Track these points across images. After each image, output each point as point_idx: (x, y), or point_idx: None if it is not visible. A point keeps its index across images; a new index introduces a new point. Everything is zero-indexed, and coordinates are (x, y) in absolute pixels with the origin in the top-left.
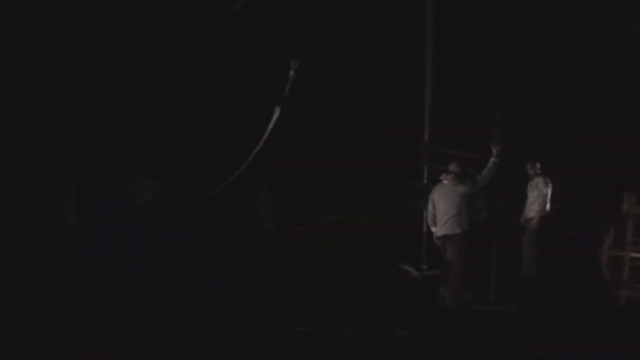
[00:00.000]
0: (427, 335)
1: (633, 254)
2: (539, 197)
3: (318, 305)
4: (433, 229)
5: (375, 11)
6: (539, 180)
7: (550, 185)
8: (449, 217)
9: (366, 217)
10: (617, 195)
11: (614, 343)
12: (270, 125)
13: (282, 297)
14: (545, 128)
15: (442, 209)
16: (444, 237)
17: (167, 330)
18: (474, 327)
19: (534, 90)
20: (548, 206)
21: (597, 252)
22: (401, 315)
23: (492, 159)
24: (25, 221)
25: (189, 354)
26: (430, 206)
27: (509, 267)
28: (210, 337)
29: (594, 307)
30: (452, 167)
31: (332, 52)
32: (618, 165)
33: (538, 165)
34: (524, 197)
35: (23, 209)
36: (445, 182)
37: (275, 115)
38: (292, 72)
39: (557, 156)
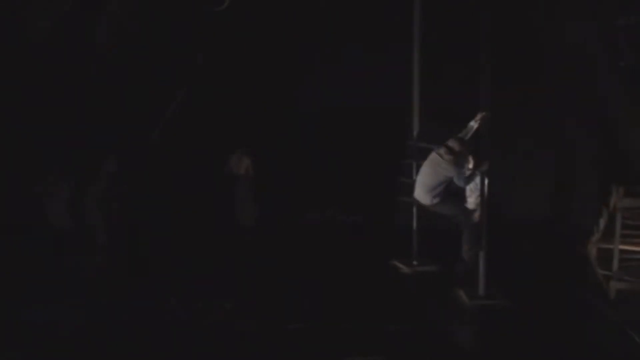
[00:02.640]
0: (418, 331)
1: (622, 247)
2: (475, 190)
3: (308, 303)
4: None
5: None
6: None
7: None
8: (424, 185)
9: (355, 213)
10: (606, 188)
11: (604, 335)
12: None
13: (271, 294)
14: (534, 123)
15: (422, 174)
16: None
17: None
18: (465, 321)
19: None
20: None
21: (587, 246)
22: (393, 310)
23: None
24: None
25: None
26: None
27: (498, 261)
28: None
29: (584, 300)
30: (452, 143)
31: (321, 51)
32: (606, 159)
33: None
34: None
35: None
36: (441, 156)
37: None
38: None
39: (546, 149)
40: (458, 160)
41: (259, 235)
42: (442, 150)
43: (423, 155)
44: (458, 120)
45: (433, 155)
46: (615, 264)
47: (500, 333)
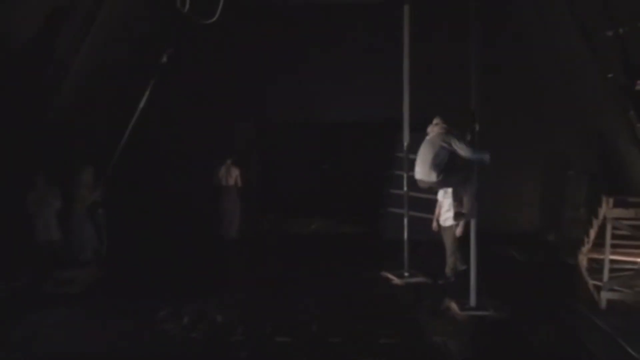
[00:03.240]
0: (411, 343)
1: (612, 257)
2: (447, 197)
3: (298, 314)
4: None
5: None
6: None
7: None
8: (426, 163)
9: (346, 224)
10: (596, 198)
11: (595, 345)
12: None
13: (260, 306)
14: (522, 133)
15: (421, 154)
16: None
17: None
18: (457, 332)
19: (510, 95)
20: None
21: (577, 256)
22: (384, 322)
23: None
24: None
25: None
26: None
27: (489, 272)
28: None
29: (575, 310)
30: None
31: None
32: (597, 170)
33: None
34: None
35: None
36: (436, 125)
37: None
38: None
39: (535, 161)
40: (451, 129)
41: (246, 246)
42: (434, 121)
43: (413, 167)
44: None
45: (428, 136)
46: (606, 274)
47: (492, 344)
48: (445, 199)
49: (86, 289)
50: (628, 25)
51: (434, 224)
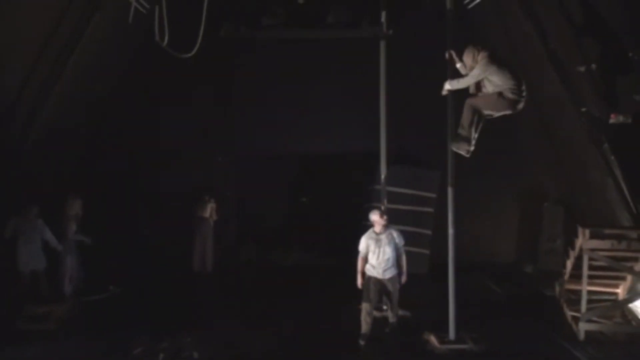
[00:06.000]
0: None
1: (590, 288)
2: (399, 249)
3: (277, 352)
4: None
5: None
6: (392, 231)
7: None
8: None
9: (324, 257)
10: (572, 230)
11: None
12: None
13: (238, 342)
14: (499, 165)
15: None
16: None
17: None
18: None
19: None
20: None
21: (555, 287)
22: (363, 355)
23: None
24: None
25: None
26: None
27: (467, 304)
28: None
29: (554, 341)
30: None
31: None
32: (573, 201)
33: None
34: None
35: None
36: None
37: None
38: None
39: (511, 192)
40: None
41: (223, 280)
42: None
43: (390, 199)
44: (422, 163)
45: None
46: (584, 305)
47: None
48: (384, 247)
49: (61, 325)
50: (599, 62)
51: (359, 281)
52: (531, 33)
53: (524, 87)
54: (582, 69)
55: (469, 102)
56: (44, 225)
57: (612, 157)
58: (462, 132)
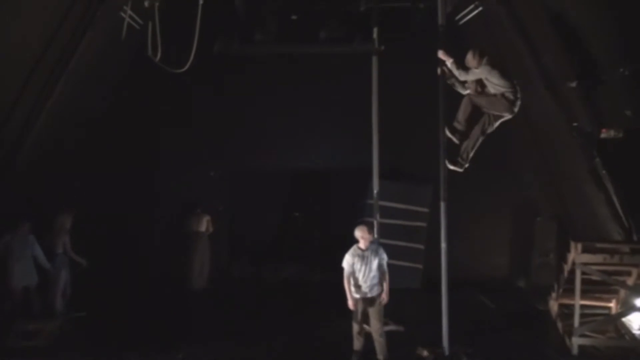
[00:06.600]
0: None
1: (582, 302)
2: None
3: None
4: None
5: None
6: (377, 247)
7: None
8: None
9: (317, 272)
10: (564, 244)
11: None
12: None
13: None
14: (491, 180)
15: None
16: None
17: None
18: None
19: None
20: None
21: (548, 302)
22: None
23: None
24: None
25: None
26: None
27: (461, 319)
28: None
29: (547, 356)
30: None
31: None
32: (565, 216)
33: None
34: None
35: None
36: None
37: None
38: None
39: (503, 207)
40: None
41: (217, 295)
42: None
43: (383, 213)
44: (414, 177)
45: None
46: (577, 319)
47: None
48: (368, 264)
49: (53, 342)
50: (590, 77)
51: (350, 302)
52: (522, 49)
53: (518, 89)
54: (573, 84)
55: (470, 97)
56: (35, 241)
57: (604, 172)
58: (457, 125)
